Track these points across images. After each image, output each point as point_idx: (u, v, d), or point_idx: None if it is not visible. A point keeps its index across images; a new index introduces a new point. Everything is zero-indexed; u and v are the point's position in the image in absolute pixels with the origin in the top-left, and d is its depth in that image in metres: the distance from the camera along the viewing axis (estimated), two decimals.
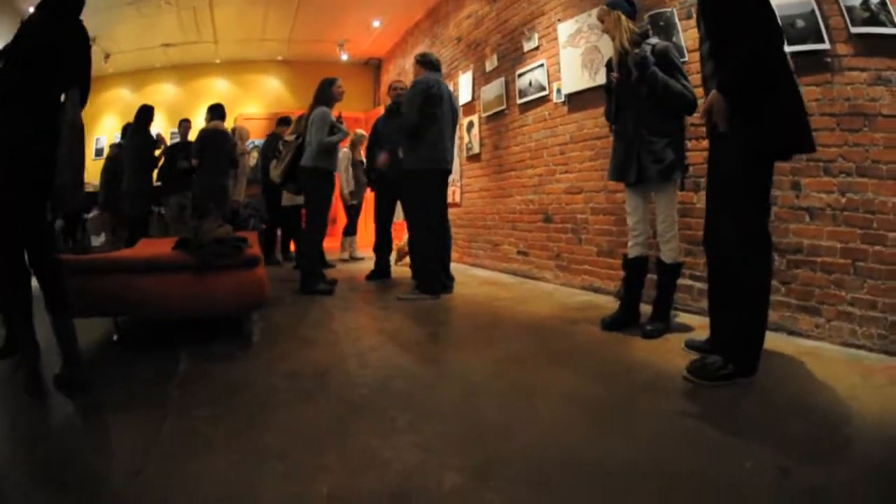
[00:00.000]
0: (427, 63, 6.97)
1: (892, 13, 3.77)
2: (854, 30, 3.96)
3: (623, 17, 4.61)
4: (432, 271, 6.82)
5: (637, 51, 4.50)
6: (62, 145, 3.64)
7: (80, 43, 3.91)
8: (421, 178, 6.72)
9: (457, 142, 8.04)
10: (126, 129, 10.21)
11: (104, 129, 13.99)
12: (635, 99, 4.56)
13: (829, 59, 4.18)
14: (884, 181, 3.85)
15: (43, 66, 3.67)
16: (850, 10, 3.98)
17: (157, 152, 9.87)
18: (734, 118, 3.41)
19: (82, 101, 3.87)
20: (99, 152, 13.47)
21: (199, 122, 10.32)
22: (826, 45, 4.16)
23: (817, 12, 4.17)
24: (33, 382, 3.49)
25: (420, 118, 6.59)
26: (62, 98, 3.74)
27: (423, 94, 6.57)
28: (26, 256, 3.69)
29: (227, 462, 2.66)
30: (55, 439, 3.02)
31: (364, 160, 9.70)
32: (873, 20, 3.85)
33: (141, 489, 2.41)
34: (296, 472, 2.56)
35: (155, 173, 9.85)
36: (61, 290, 3.78)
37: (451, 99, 6.91)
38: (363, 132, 10.56)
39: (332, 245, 10.46)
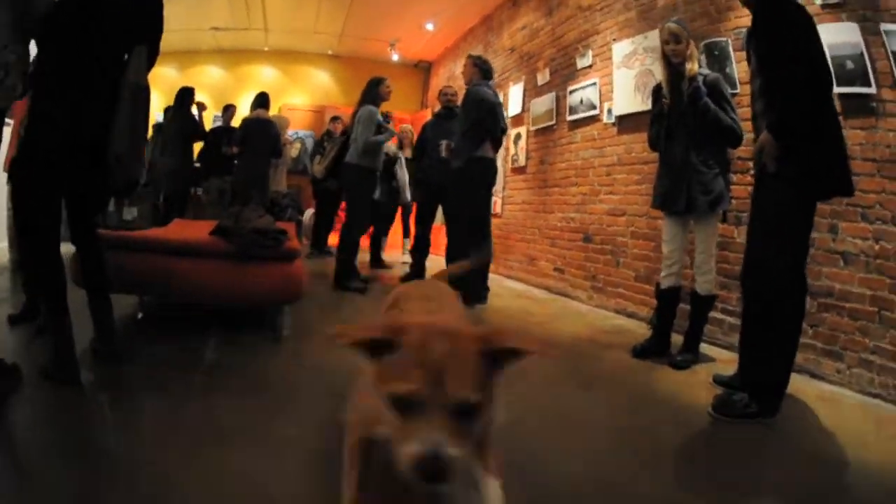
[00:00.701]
0: (483, 69, 7.11)
1: None
2: None
3: (693, 43, 4.66)
4: (469, 280, 6.77)
5: (693, 79, 4.55)
6: (121, 111, 3.51)
7: None
8: (470, 181, 6.86)
9: (502, 153, 8.18)
10: (167, 110, 10.38)
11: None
12: (685, 127, 4.62)
13: (874, 104, 4.25)
14: None
15: (106, 20, 3.46)
16: (895, 55, 4.07)
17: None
18: (785, 158, 3.47)
19: (150, 61, 3.72)
20: None
21: (244, 109, 10.50)
22: (872, 90, 4.23)
23: (866, 55, 4.24)
24: (67, 363, 3.37)
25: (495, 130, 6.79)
26: (125, 57, 3.59)
27: (493, 108, 6.79)
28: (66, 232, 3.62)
29: (247, 454, 2.70)
30: (71, 418, 3.05)
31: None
32: None
33: (157, 477, 2.45)
34: (318, 468, 2.59)
35: (195, 154, 10.05)
36: (103, 267, 3.81)
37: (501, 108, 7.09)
38: (410, 128, 10.73)
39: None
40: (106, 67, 3.53)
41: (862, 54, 4.28)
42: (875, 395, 4.08)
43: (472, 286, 6.79)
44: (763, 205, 3.70)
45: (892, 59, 4.12)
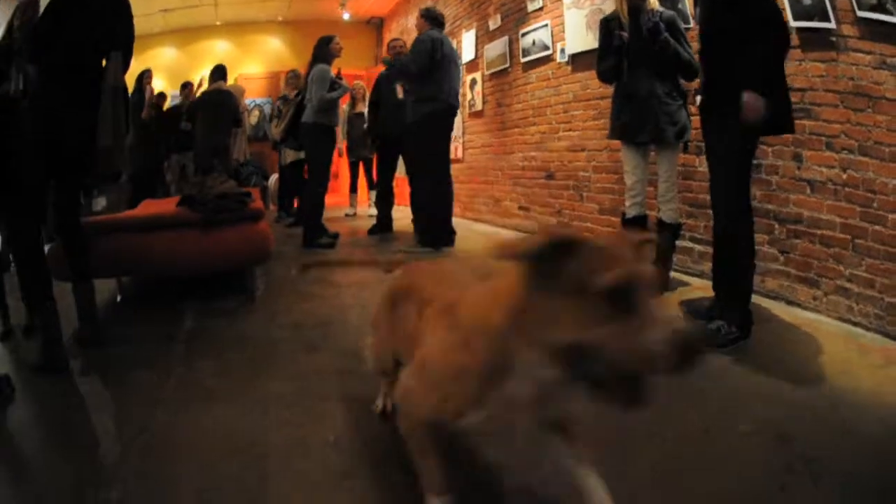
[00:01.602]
0: (432, 18, 6.97)
1: None
2: (861, 13, 3.90)
3: None
4: (433, 225, 6.90)
5: (650, 15, 4.46)
6: (104, 109, 3.65)
7: (122, 4, 3.88)
8: (430, 120, 6.74)
9: (460, 100, 8.03)
10: (132, 95, 10.16)
11: None
12: (647, 59, 4.50)
13: (834, 38, 4.12)
14: (886, 163, 3.81)
15: (85, 30, 3.63)
16: None
17: (143, 114, 9.85)
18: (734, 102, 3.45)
19: (125, 63, 3.87)
20: None
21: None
22: (832, 25, 4.09)
23: None
24: (58, 355, 3.39)
25: (422, 70, 6.64)
26: (103, 63, 3.75)
27: (432, 49, 6.59)
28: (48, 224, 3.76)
29: (233, 412, 2.75)
30: (61, 402, 3.06)
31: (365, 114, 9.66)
32: (881, 8, 3.81)
33: (148, 444, 2.48)
34: (301, 420, 2.65)
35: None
36: (87, 256, 3.84)
37: (455, 56, 6.97)
38: (362, 83, 10.56)
39: (336, 201, 10.52)
40: (89, 72, 3.71)
41: None
42: (855, 324, 3.98)
43: (436, 231, 6.88)
44: (722, 142, 3.65)
45: None
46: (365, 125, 9.57)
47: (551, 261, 1.27)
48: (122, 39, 3.84)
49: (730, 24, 3.51)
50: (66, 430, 2.74)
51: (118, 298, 5.01)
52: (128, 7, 3.91)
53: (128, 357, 3.62)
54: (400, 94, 7.48)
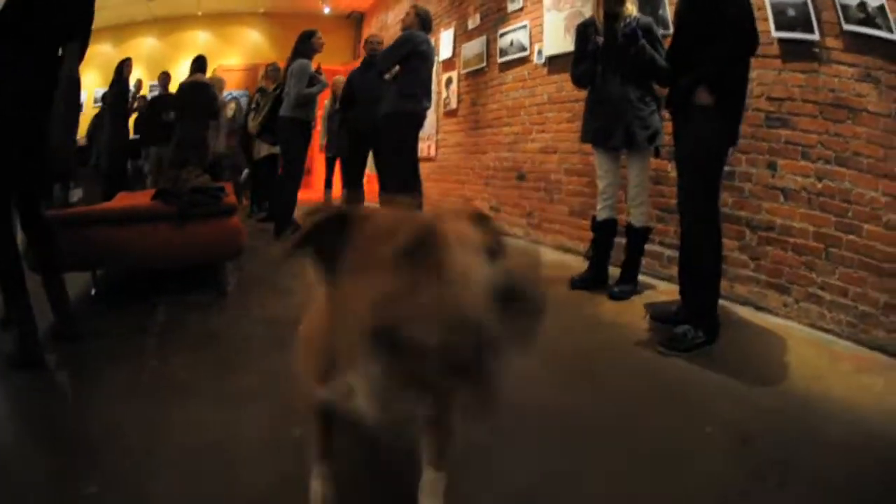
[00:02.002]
0: (422, 19, 6.80)
1: (891, 21, 3.68)
2: (847, 27, 3.89)
3: None
4: None
5: (628, 20, 4.43)
6: (57, 103, 3.49)
7: None
8: (399, 124, 6.64)
9: (433, 98, 7.95)
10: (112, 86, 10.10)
11: (84, 84, 13.15)
12: (621, 65, 4.50)
13: (816, 50, 4.11)
14: (863, 174, 3.80)
15: (50, 18, 3.46)
16: (844, 7, 3.90)
17: (130, 107, 9.80)
18: (712, 107, 3.49)
19: (81, 53, 3.68)
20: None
21: (180, 75, 10.18)
22: (815, 37, 4.09)
23: (809, 5, 4.10)
24: (32, 348, 3.34)
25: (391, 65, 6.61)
26: (59, 52, 3.57)
27: (409, 49, 6.46)
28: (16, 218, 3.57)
29: (207, 408, 2.73)
30: (35, 397, 3.02)
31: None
32: (869, 22, 3.80)
33: (121, 439, 2.46)
34: (271, 415, 2.63)
35: (131, 125, 9.82)
36: (54, 249, 3.73)
37: (433, 56, 6.89)
38: (342, 77, 10.41)
39: (309, 196, 10.40)
40: (43, 63, 3.51)
41: (805, 3, 4.14)
42: (827, 331, 3.97)
43: None
44: (689, 146, 3.67)
45: (839, 9, 3.95)
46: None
47: (332, 239, 1.20)
48: (80, 30, 3.65)
49: (697, 27, 3.56)
50: (41, 423, 2.73)
51: (92, 291, 4.92)
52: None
53: (102, 351, 3.57)
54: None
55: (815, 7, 4.08)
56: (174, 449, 2.37)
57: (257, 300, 4.66)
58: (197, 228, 4.56)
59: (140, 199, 5.43)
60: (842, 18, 3.90)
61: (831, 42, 4.02)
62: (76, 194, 10.17)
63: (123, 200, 5.86)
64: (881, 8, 3.71)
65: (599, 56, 4.60)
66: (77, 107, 3.77)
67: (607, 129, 4.58)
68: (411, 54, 6.44)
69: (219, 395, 2.85)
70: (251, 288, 5.10)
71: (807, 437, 2.54)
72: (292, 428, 2.42)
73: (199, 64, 9.05)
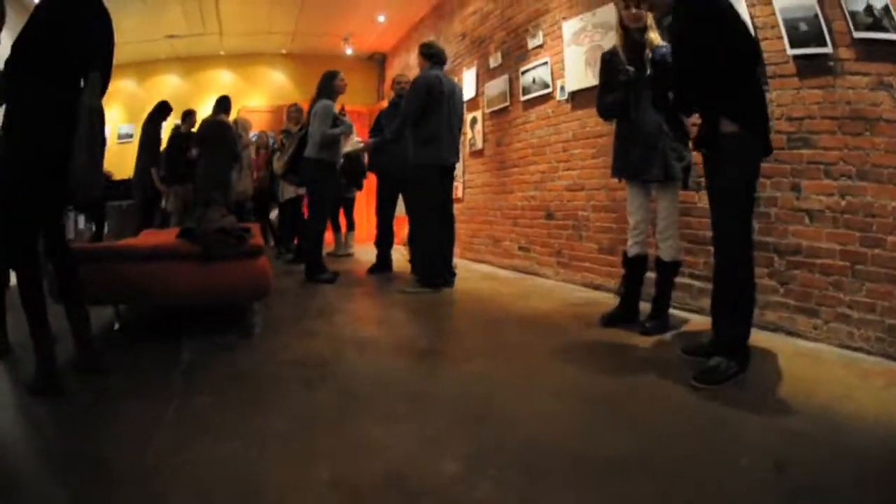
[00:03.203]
0: (430, 55, 6.97)
1: None
2: (857, 35, 3.95)
3: (650, 14, 4.51)
4: (431, 265, 6.86)
5: (656, 48, 4.33)
6: (80, 129, 3.57)
7: (105, 27, 3.84)
8: (420, 174, 6.79)
9: (461, 137, 8.05)
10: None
11: (107, 119, 13.40)
12: (652, 95, 4.39)
13: (831, 63, 4.16)
14: (884, 185, 3.84)
15: (69, 49, 3.60)
16: (853, 14, 3.96)
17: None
18: (734, 133, 3.49)
19: (103, 87, 3.81)
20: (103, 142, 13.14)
21: (204, 114, 10.19)
22: (829, 49, 4.14)
23: (820, 16, 4.15)
24: (51, 377, 3.40)
25: (415, 115, 6.70)
26: (82, 83, 3.69)
27: (425, 92, 6.63)
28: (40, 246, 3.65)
29: (230, 448, 2.69)
30: (57, 427, 3.05)
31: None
32: (876, 26, 3.86)
33: (143, 474, 2.43)
34: (298, 458, 2.59)
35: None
36: (78, 279, 3.81)
37: (455, 94, 6.95)
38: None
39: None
40: (64, 94, 3.61)
41: (816, 16, 4.19)
42: (856, 349, 3.98)
43: (436, 271, 6.86)
44: (718, 173, 3.65)
45: (849, 18, 4.01)
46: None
47: None
48: (101, 61, 3.81)
49: (692, 46, 3.58)
50: (60, 455, 2.71)
51: (115, 326, 4.98)
52: (111, 27, 3.90)
53: (124, 385, 3.61)
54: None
55: (826, 18, 4.14)
56: (196, 488, 2.35)
57: (284, 342, 4.63)
58: (223, 268, 4.59)
59: (164, 237, 5.51)
60: (851, 26, 3.96)
61: (844, 53, 4.08)
62: (86, 230, 10.30)
63: (148, 238, 5.96)
64: (886, 9, 3.79)
65: (631, 86, 4.55)
66: (101, 135, 3.81)
67: (644, 161, 4.52)
68: (429, 96, 6.63)
69: (244, 436, 2.82)
70: (279, 329, 5.02)
71: (841, 458, 2.53)
72: (320, 472, 2.43)
73: (224, 105, 9.19)
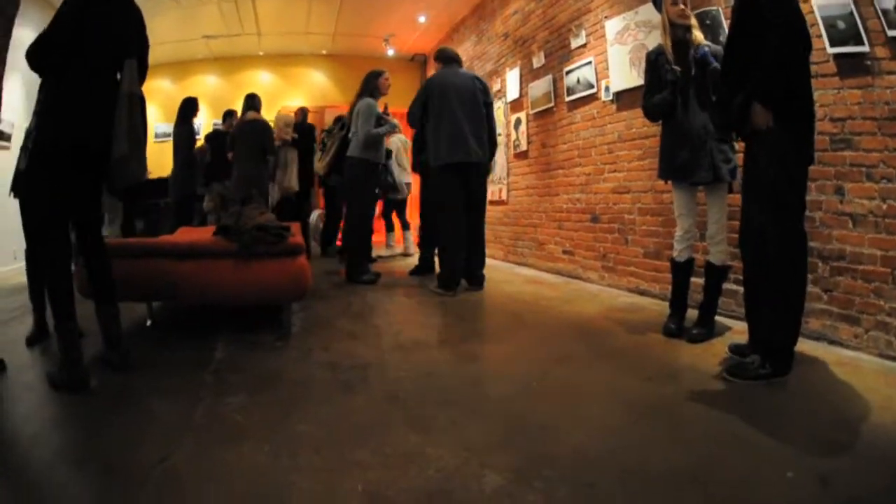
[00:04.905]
0: (441, 59, 7.20)
1: None
2: (891, 33, 4.01)
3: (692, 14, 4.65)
4: (445, 268, 7.01)
5: (699, 47, 4.48)
6: (119, 117, 3.72)
7: (133, 16, 4.01)
8: (434, 176, 6.99)
9: (500, 132, 8.11)
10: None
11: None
12: (698, 96, 4.51)
13: (868, 62, 4.21)
14: None
15: (103, 38, 3.73)
16: (885, 13, 4.03)
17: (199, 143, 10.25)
18: (776, 121, 3.55)
19: (141, 75, 3.98)
20: None
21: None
22: (865, 48, 4.19)
23: (856, 14, 4.20)
24: (76, 372, 3.53)
25: (415, 116, 7.03)
26: (118, 75, 3.84)
27: (423, 93, 6.92)
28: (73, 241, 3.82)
29: (260, 452, 2.72)
30: (84, 422, 3.15)
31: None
32: None
33: (167, 475, 2.49)
34: (331, 466, 2.58)
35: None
36: (110, 276, 3.98)
37: (468, 87, 7.01)
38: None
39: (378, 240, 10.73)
40: (104, 80, 3.78)
41: (852, 13, 4.25)
42: (894, 358, 4.02)
43: (452, 274, 6.96)
44: (758, 167, 3.72)
45: (881, 16, 4.07)
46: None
47: None
48: (135, 48, 3.95)
49: (746, 35, 3.65)
50: (85, 452, 2.79)
51: (148, 323, 5.15)
52: (141, 16, 4.07)
53: (153, 383, 3.70)
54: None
55: (861, 16, 4.19)
56: (224, 493, 2.37)
57: (321, 343, 4.66)
58: (260, 267, 4.66)
59: (201, 234, 5.63)
60: (885, 25, 4.03)
61: (880, 52, 4.13)
62: (136, 226, 10.53)
63: (184, 235, 6.11)
64: None
65: (679, 86, 4.61)
66: (143, 122, 3.93)
67: (692, 163, 4.55)
68: (427, 97, 6.84)
69: (275, 441, 2.83)
70: (316, 330, 5.09)
71: (883, 469, 2.58)
72: (354, 483, 2.41)
73: (252, 102, 9.40)
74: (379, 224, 10.92)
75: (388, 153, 9.42)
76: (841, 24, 4.32)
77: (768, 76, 3.52)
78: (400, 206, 10.88)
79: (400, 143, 10.33)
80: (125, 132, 3.73)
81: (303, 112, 10.77)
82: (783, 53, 3.47)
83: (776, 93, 3.55)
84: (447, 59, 7.15)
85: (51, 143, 3.61)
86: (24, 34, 4.65)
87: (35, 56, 3.64)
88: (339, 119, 9.81)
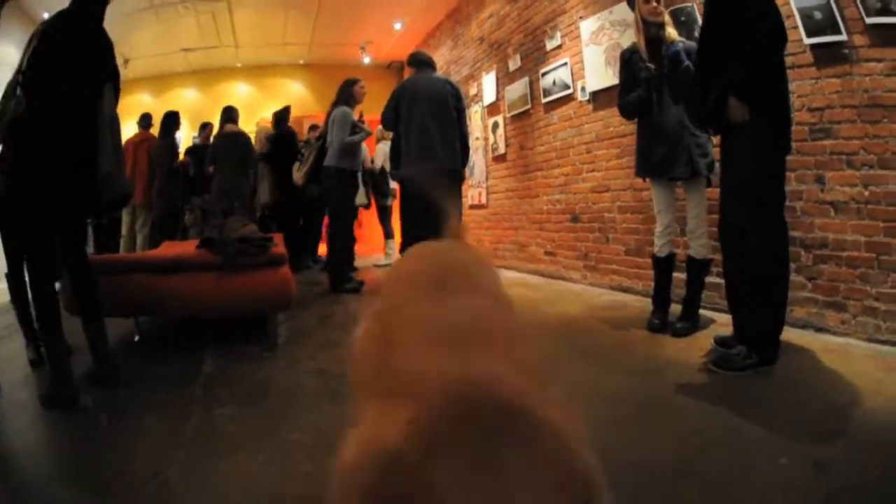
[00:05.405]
0: (414, 63, 7.02)
1: None
2: (869, 20, 4.01)
3: (665, 11, 4.67)
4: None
5: (671, 44, 4.51)
6: (103, 139, 3.75)
7: (107, 38, 3.99)
8: (404, 187, 6.77)
9: (478, 136, 8.02)
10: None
11: (124, 133, 13.37)
12: (672, 91, 4.53)
13: (846, 51, 4.22)
14: None
15: (87, 64, 3.78)
16: (863, 0, 4.03)
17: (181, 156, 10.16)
18: (752, 114, 3.55)
19: (115, 97, 3.99)
20: None
21: None
22: (843, 37, 4.19)
23: (832, 3, 4.21)
24: (65, 389, 3.50)
25: (387, 124, 6.87)
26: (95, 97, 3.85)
27: (394, 100, 6.68)
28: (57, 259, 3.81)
29: (253, 462, 2.72)
30: (76, 439, 3.12)
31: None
32: (886, 10, 3.92)
33: (161, 489, 2.48)
34: (323, 473, 2.53)
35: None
36: (95, 293, 3.92)
37: (437, 89, 6.68)
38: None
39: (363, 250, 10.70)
40: (83, 103, 3.79)
41: (828, 3, 4.25)
42: (884, 342, 4.01)
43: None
44: (734, 160, 3.75)
45: (859, 4, 4.08)
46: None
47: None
48: (111, 72, 3.98)
49: (721, 31, 3.68)
50: (77, 467, 2.78)
51: (136, 338, 5.09)
52: (110, 41, 4.03)
53: (142, 397, 3.68)
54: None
55: (838, 5, 4.19)
56: (216, 501, 2.40)
57: (308, 352, 4.63)
58: (244, 278, 4.66)
59: (185, 247, 5.62)
60: (863, 12, 4.02)
61: (858, 39, 4.14)
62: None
63: (168, 249, 6.10)
64: None
65: (653, 83, 4.63)
66: (119, 143, 4.04)
67: (669, 159, 4.56)
68: (396, 104, 6.61)
69: (267, 450, 2.83)
70: (302, 340, 5.08)
71: (876, 453, 2.57)
72: None
73: (230, 114, 9.32)
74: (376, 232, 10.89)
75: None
76: (817, 15, 4.33)
77: (751, 71, 3.53)
78: (384, 213, 10.81)
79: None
80: (110, 152, 3.80)
81: (286, 110, 10.61)
82: (765, 48, 3.51)
83: (760, 86, 3.55)
84: (419, 62, 6.96)
85: (30, 161, 3.61)
86: (6, 51, 4.59)
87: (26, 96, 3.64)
88: (313, 127, 9.92)
